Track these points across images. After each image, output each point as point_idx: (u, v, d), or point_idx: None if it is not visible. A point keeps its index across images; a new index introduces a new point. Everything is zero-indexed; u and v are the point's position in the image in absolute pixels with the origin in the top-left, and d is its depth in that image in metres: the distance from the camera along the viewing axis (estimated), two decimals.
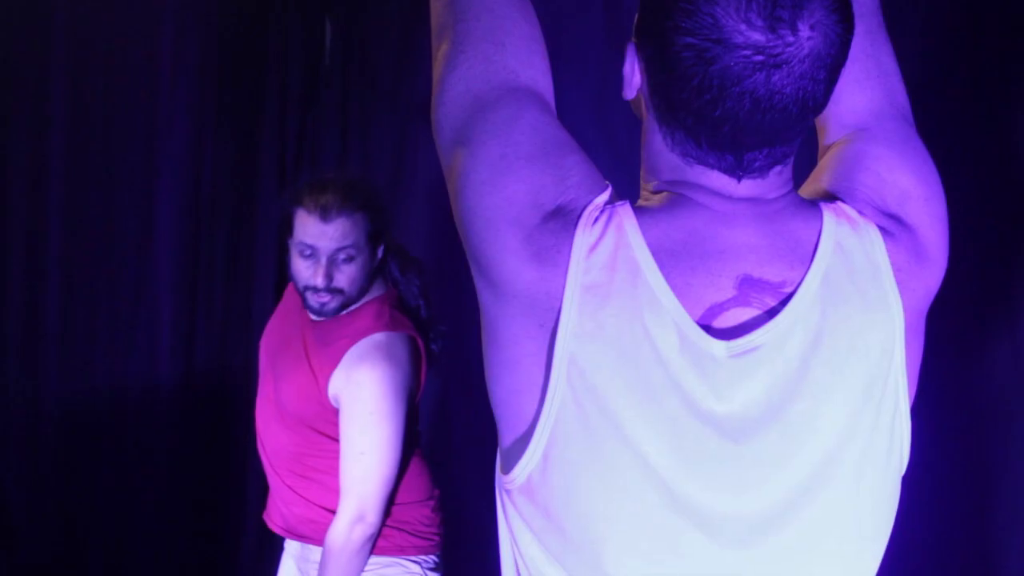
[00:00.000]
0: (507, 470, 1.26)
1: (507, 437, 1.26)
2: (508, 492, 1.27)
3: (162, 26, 3.88)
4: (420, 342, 2.62)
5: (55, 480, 3.90)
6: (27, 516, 3.89)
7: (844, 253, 1.23)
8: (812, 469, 1.21)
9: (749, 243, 1.21)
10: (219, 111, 3.95)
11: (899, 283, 1.25)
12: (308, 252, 2.52)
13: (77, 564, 3.88)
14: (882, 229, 1.27)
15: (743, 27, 1.13)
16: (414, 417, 2.64)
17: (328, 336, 2.57)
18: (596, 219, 1.20)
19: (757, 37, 1.13)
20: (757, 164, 1.22)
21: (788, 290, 1.21)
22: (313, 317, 2.61)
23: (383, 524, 2.52)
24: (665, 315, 1.17)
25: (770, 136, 1.19)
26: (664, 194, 1.25)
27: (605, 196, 1.22)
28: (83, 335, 3.94)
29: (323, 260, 2.51)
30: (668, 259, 1.19)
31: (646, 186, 1.30)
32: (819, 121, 1.41)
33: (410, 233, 3.73)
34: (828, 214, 1.25)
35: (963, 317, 2.76)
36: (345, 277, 2.53)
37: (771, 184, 1.24)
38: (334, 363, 2.53)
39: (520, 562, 1.29)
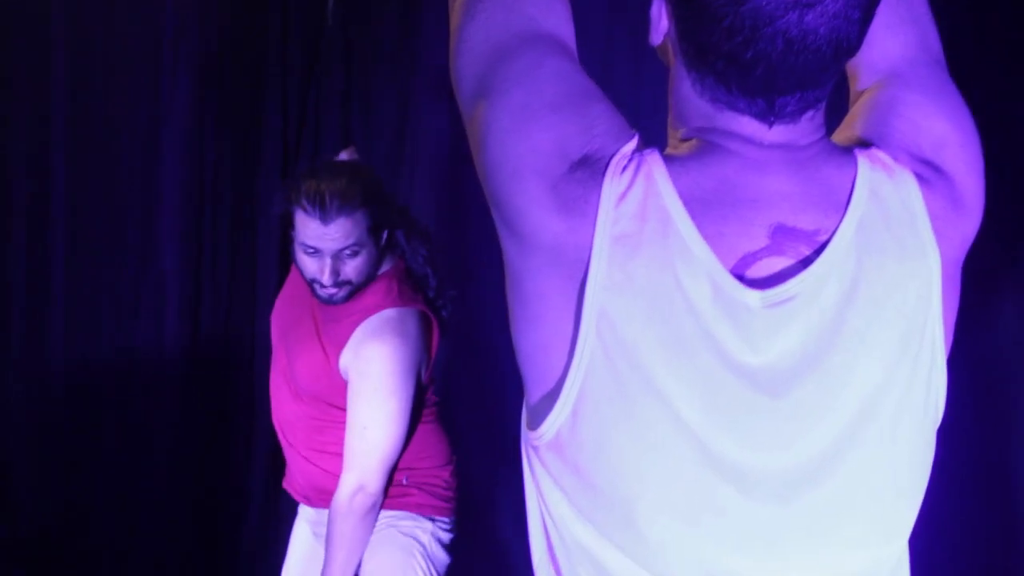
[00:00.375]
0: (534, 426, 1.23)
1: (534, 392, 1.23)
2: (535, 449, 1.24)
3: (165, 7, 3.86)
4: (431, 315, 2.60)
5: (61, 445, 3.91)
6: (31, 482, 3.90)
7: (879, 200, 1.20)
8: (849, 422, 1.19)
9: (782, 190, 1.18)
10: (221, 80, 3.92)
11: (936, 231, 1.22)
12: (311, 251, 2.49)
13: (80, 531, 3.90)
14: (918, 176, 1.24)
15: None
16: (427, 387, 2.64)
17: (338, 314, 2.56)
18: (624, 168, 1.16)
19: None
20: (789, 109, 1.18)
21: (823, 238, 1.18)
22: None
23: (385, 494, 2.53)
24: (697, 265, 1.14)
25: (802, 79, 1.15)
26: (693, 142, 1.22)
27: (632, 144, 1.18)
28: (89, 303, 3.93)
29: (327, 259, 2.48)
30: (699, 208, 1.16)
31: (674, 134, 1.26)
32: (850, 67, 1.37)
33: (414, 202, 3.72)
34: (863, 160, 1.22)
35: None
36: (352, 270, 2.51)
37: (803, 130, 1.21)
38: (344, 340, 2.53)
39: (548, 521, 1.27)
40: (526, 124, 1.18)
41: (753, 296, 1.15)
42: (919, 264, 1.21)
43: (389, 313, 2.52)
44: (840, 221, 1.18)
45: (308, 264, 2.50)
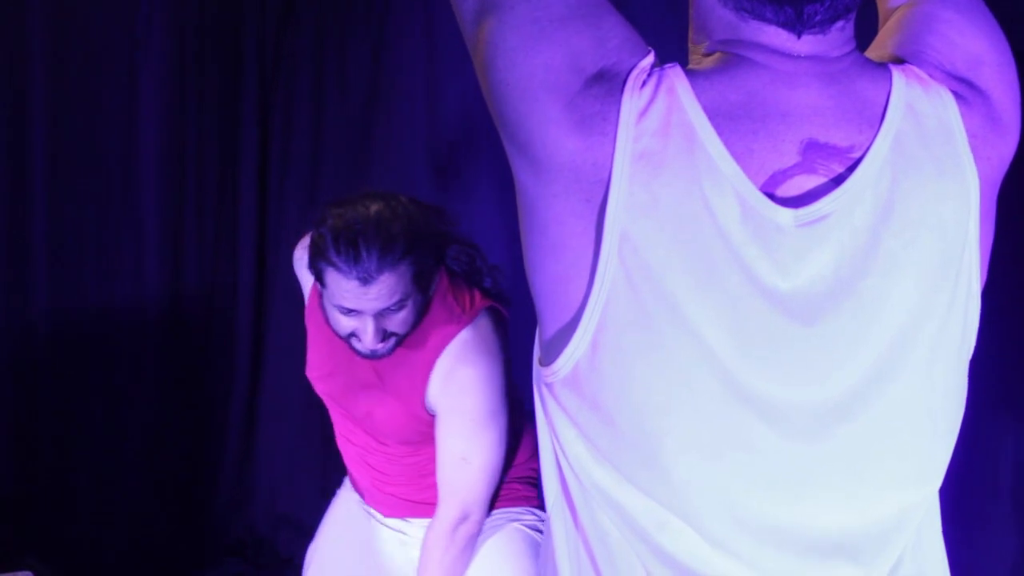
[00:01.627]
0: (549, 360, 1.16)
1: (550, 326, 1.16)
2: (550, 386, 1.18)
3: None
4: (496, 304, 2.25)
5: (44, 399, 3.90)
6: (11, 435, 3.90)
7: (916, 116, 1.14)
8: (884, 352, 1.12)
9: (814, 104, 1.12)
10: (199, 33, 3.89)
11: (973, 150, 1.17)
12: (349, 312, 2.07)
13: (62, 487, 3.88)
14: (955, 93, 1.18)
15: None
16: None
17: (402, 360, 2.19)
18: (644, 82, 1.10)
19: None
20: (818, 17, 1.12)
21: (856, 155, 1.12)
22: None
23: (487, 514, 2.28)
24: (725, 183, 1.08)
25: None
26: (717, 55, 1.15)
27: (650, 59, 1.12)
28: (71, 255, 3.88)
29: (369, 319, 2.07)
30: (726, 123, 1.09)
31: (696, 49, 1.20)
32: None
33: (389, 153, 3.74)
34: (898, 75, 1.16)
35: None
36: (398, 323, 2.10)
37: (833, 41, 1.15)
38: (423, 384, 2.19)
39: (564, 463, 1.20)
40: (535, 40, 1.11)
41: (785, 214, 1.09)
42: (957, 183, 1.15)
43: (464, 336, 2.17)
44: (874, 137, 1.12)
45: (344, 322, 2.10)
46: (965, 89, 1.19)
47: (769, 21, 1.13)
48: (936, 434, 1.18)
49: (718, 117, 1.10)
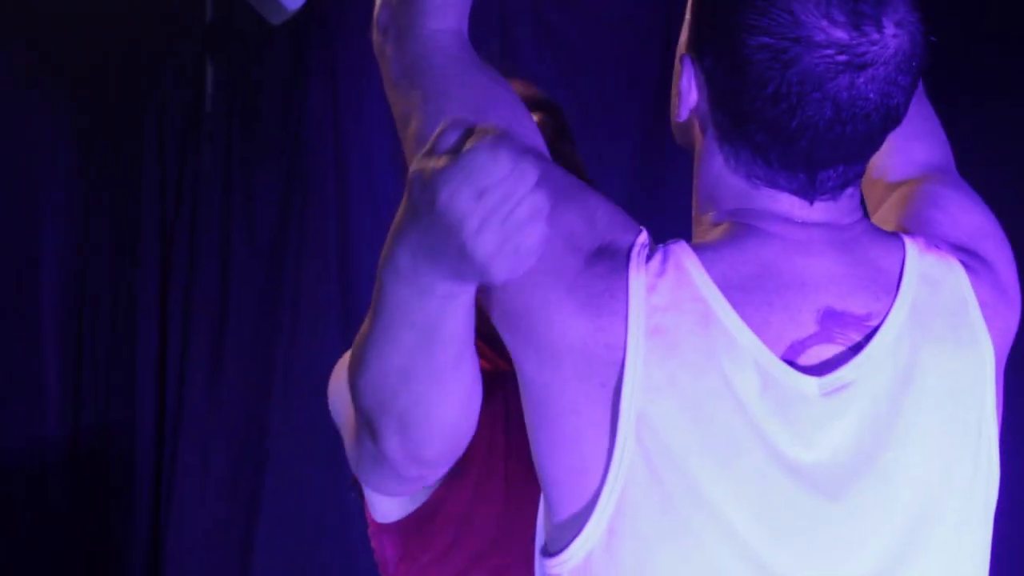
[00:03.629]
0: (557, 549, 1.10)
1: (560, 512, 1.10)
2: None
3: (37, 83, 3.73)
4: None
5: None
6: None
7: (930, 285, 1.14)
8: (908, 529, 1.10)
9: (829, 273, 1.11)
10: (97, 165, 3.81)
11: (985, 320, 1.17)
12: None
13: None
14: (964, 264, 1.18)
15: (825, 23, 1.04)
16: None
17: None
18: (649, 258, 1.08)
19: (840, 35, 1.04)
20: (831, 184, 1.12)
21: (874, 323, 1.11)
22: None
23: None
24: (744, 356, 1.06)
25: (848, 150, 1.10)
26: (725, 225, 1.14)
27: (644, 236, 1.11)
28: None
29: None
30: (740, 295, 1.08)
31: (702, 220, 1.18)
32: (873, 174, 1.33)
33: (300, 275, 3.62)
34: (910, 243, 1.17)
35: None
36: None
37: (844, 208, 1.15)
38: None
39: None
40: (536, 271, 1.06)
41: (810, 383, 1.07)
42: (973, 353, 1.15)
43: None
44: (891, 305, 1.12)
45: None
46: (972, 260, 1.20)
47: (781, 188, 1.12)
48: None
49: (731, 290, 1.08)
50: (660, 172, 3.20)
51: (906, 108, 1.11)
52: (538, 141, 1.20)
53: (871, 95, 1.06)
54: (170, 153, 3.82)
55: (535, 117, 1.42)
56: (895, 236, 1.18)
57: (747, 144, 1.11)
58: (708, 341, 1.05)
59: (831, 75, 1.04)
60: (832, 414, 1.08)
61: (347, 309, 3.50)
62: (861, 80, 1.05)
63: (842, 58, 1.04)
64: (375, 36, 1.26)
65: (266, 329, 3.63)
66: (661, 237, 1.15)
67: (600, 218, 1.11)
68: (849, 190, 1.15)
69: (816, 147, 1.08)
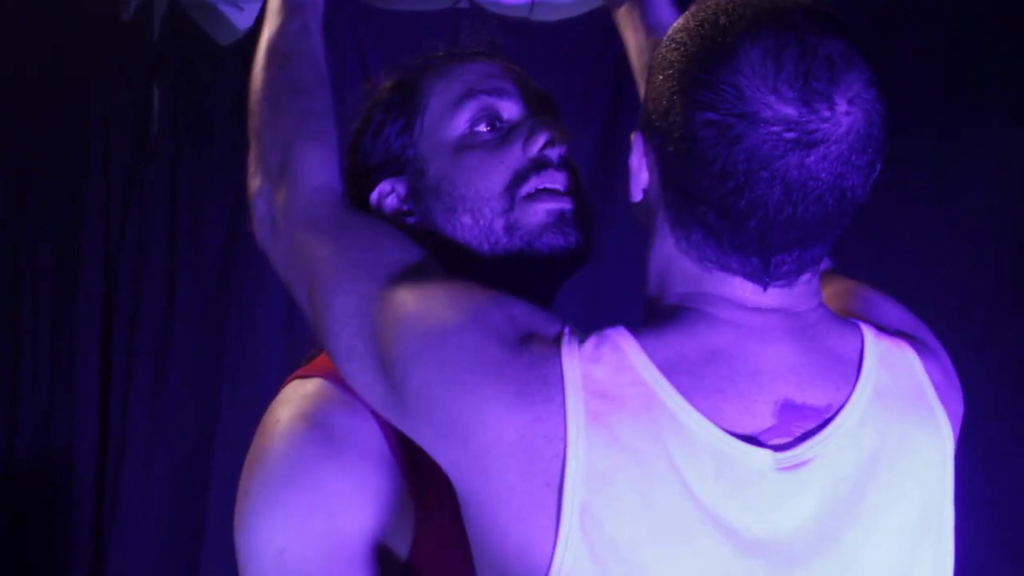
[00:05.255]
0: None
1: None
2: None
3: None
4: None
5: None
6: None
7: (889, 368, 1.11)
8: None
9: (786, 362, 1.06)
10: (40, 185, 3.75)
11: (941, 401, 1.14)
12: None
13: None
14: (913, 348, 1.15)
15: (772, 99, 0.99)
16: None
17: None
18: (580, 342, 1.02)
19: (788, 111, 0.99)
20: (785, 268, 1.07)
21: (833, 415, 1.06)
22: None
23: None
24: (692, 438, 1.00)
25: (801, 234, 1.04)
26: (673, 309, 1.09)
27: (569, 327, 1.05)
28: None
29: None
30: (688, 380, 1.02)
31: (651, 301, 1.14)
32: None
33: (242, 304, 3.57)
34: (865, 329, 1.13)
35: None
36: None
37: (800, 294, 1.10)
38: None
39: None
40: (442, 335, 1.04)
41: (765, 457, 1.02)
42: (934, 436, 1.12)
43: None
44: (851, 392, 1.07)
45: None
46: (920, 346, 1.17)
47: (734, 272, 1.07)
48: None
49: (677, 375, 1.02)
50: (610, 189, 3.21)
51: (864, 191, 1.05)
52: (432, 263, 1.17)
53: (823, 175, 1.01)
54: (115, 173, 3.77)
55: (549, 113, 1.41)
56: (850, 323, 1.14)
57: (698, 225, 1.06)
58: (651, 425, 1.00)
59: (779, 153, 0.99)
60: (789, 491, 1.03)
61: (291, 327, 3.45)
62: (811, 159, 1.00)
63: (790, 135, 0.99)
64: (257, 230, 1.29)
65: (211, 348, 3.58)
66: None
67: (518, 315, 1.06)
68: (806, 276, 1.10)
69: (767, 228, 1.03)
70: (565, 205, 1.34)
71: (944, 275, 3.02)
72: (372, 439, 1.23)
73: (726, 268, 1.07)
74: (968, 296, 3.00)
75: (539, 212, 1.32)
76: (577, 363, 1.01)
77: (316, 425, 1.23)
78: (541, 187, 1.34)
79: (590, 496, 0.98)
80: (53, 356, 3.76)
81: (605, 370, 1.01)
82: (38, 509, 3.77)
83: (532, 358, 1.01)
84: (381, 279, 1.12)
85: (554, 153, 1.35)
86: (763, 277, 1.07)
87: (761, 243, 1.05)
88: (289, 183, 1.24)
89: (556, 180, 1.35)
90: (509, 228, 1.32)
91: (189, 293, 3.68)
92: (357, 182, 1.44)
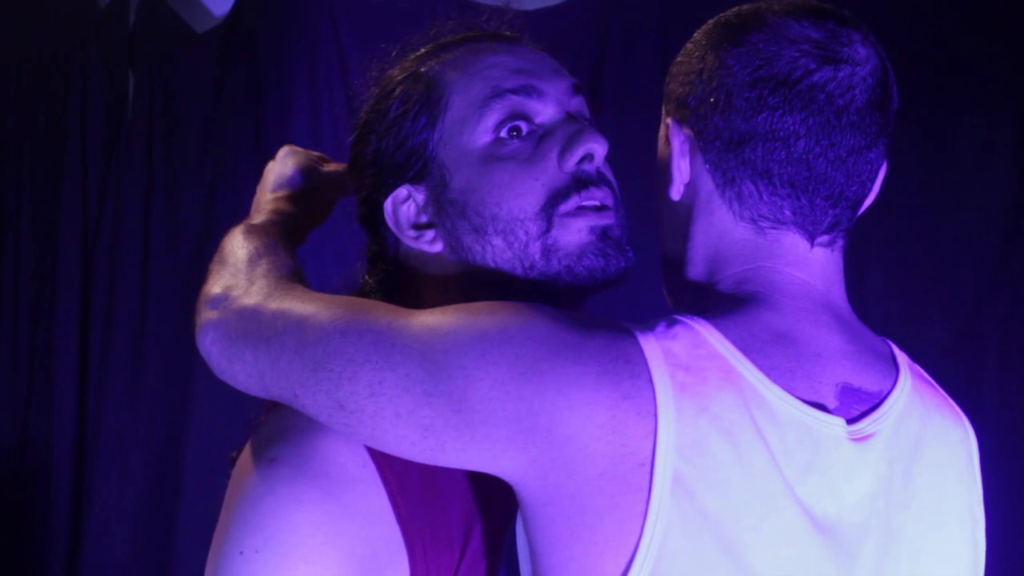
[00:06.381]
0: None
1: None
2: None
3: None
4: None
5: None
6: None
7: (916, 375, 1.16)
8: None
9: (841, 348, 1.09)
10: (16, 172, 3.72)
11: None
12: None
13: None
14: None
15: (796, 28, 1.10)
16: None
17: None
18: (654, 326, 1.03)
19: (813, 34, 1.09)
20: (827, 221, 1.12)
21: (882, 400, 1.10)
22: None
23: None
24: (773, 409, 1.01)
25: (841, 160, 1.10)
26: (731, 295, 1.10)
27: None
28: None
29: None
30: (759, 358, 1.03)
31: (704, 291, 1.14)
32: None
33: None
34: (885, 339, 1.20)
35: None
36: None
37: (836, 267, 1.14)
38: None
39: None
40: (500, 332, 1.01)
41: (839, 425, 1.04)
42: (963, 436, 1.18)
43: None
44: (893, 385, 1.11)
45: None
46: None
47: (787, 223, 1.11)
48: None
49: (749, 352, 1.03)
50: None
51: (880, 159, 1.14)
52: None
53: (856, 91, 1.09)
54: (92, 160, 3.74)
55: (580, 104, 1.32)
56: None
57: (748, 172, 1.10)
58: (736, 396, 1.00)
59: (814, 67, 1.08)
60: (858, 463, 1.05)
61: None
62: (842, 74, 1.09)
63: (818, 52, 1.09)
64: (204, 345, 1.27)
65: (187, 338, 3.53)
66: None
67: (563, 310, 1.06)
68: (840, 244, 1.15)
69: (811, 152, 1.09)
70: (608, 221, 1.24)
71: (928, 266, 3.04)
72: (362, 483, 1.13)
73: (779, 219, 1.11)
74: (952, 287, 3.02)
75: (581, 229, 1.22)
76: (654, 340, 1.00)
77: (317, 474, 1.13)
78: (581, 205, 1.23)
79: (683, 466, 0.97)
80: (32, 343, 3.74)
81: (682, 345, 1.01)
82: (15, 503, 3.76)
83: (606, 339, 1.00)
84: (399, 313, 1.08)
85: (592, 167, 1.24)
86: (810, 225, 1.11)
87: (810, 174, 1.09)
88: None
89: (596, 197, 1.24)
90: (547, 252, 1.22)
91: (165, 278, 3.65)
92: (365, 180, 1.32)
